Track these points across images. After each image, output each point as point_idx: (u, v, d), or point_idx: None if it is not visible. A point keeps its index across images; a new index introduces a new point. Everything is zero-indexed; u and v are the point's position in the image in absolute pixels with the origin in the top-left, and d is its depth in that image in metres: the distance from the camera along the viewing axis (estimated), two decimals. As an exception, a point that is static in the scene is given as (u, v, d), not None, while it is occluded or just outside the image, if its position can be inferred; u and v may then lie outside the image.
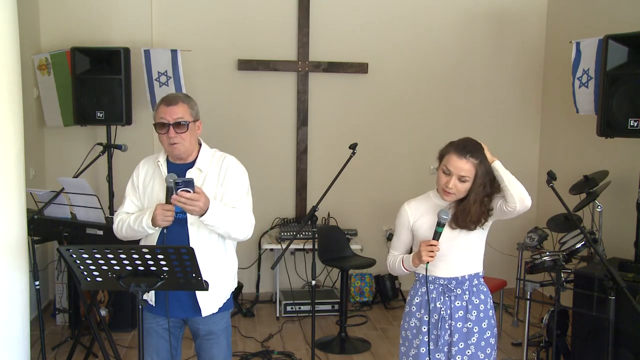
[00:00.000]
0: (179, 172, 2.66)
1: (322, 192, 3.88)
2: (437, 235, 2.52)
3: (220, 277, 2.76)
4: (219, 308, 2.78)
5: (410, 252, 2.69)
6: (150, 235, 2.71)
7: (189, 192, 2.48)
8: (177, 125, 2.65)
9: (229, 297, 2.83)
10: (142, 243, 2.78)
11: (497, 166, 2.57)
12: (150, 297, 2.75)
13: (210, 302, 2.74)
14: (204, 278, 2.61)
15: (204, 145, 2.81)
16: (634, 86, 3.85)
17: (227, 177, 2.73)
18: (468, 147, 2.52)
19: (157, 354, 2.81)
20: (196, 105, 2.77)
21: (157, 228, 2.65)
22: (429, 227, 2.59)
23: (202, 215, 2.56)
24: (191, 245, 2.65)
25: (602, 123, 4.02)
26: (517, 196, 2.51)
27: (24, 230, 3.08)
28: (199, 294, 2.70)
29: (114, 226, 2.81)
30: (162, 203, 2.60)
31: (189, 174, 2.70)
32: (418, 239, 2.64)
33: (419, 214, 2.67)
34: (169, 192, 2.54)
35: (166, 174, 2.68)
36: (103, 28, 5.29)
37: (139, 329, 2.41)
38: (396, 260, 2.71)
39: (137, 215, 2.71)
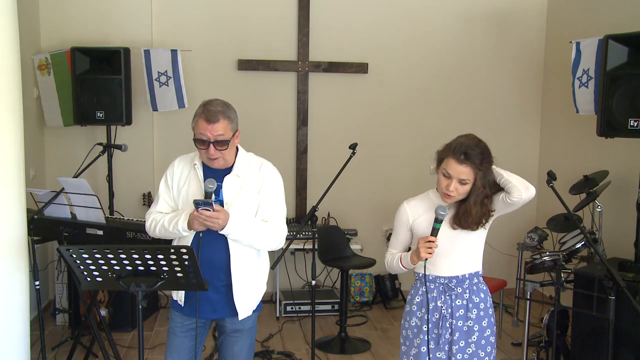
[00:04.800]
0: (216, 176, 2.64)
1: (322, 192, 3.88)
2: (435, 232, 2.52)
3: (255, 279, 2.77)
4: (252, 310, 2.79)
5: (409, 251, 2.69)
6: (185, 237, 2.69)
7: (209, 210, 2.50)
8: (218, 143, 2.60)
9: (260, 298, 2.84)
10: (175, 244, 2.76)
11: (494, 167, 2.60)
12: (179, 297, 2.74)
13: (247, 305, 2.74)
14: (239, 281, 2.65)
15: (240, 149, 2.78)
16: (634, 86, 3.85)
17: (265, 187, 2.72)
18: (466, 151, 2.51)
19: (179, 354, 2.78)
20: (235, 115, 2.71)
21: (192, 231, 2.64)
22: (428, 226, 2.59)
23: (222, 229, 2.57)
24: (229, 249, 2.65)
25: (602, 123, 4.02)
26: (521, 185, 2.52)
27: (24, 230, 3.08)
28: (237, 297, 2.69)
29: (147, 225, 2.79)
30: None
31: (227, 180, 2.68)
32: (417, 238, 2.64)
33: (418, 213, 2.68)
34: (206, 197, 2.55)
35: (202, 176, 2.68)
36: (103, 28, 5.29)
37: (139, 329, 2.41)
38: (394, 258, 2.71)
39: (171, 216, 2.68)
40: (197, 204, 2.49)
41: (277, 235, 2.72)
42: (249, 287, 2.72)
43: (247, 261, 2.71)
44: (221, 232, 2.58)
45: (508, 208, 2.59)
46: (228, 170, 2.71)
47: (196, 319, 2.66)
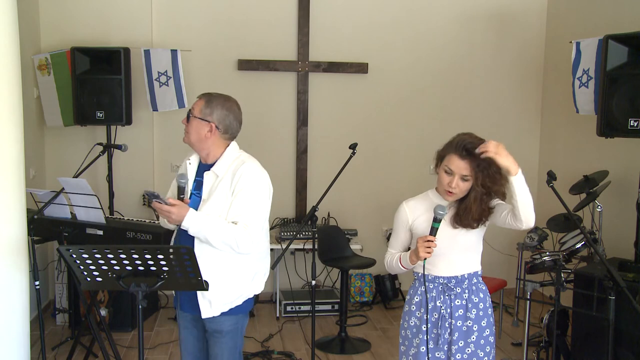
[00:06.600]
0: (200, 172, 2.76)
1: (322, 192, 3.88)
2: (433, 231, 2.52)
3: (224, 280, 2.70)
4: (222, 312, 2.74)
5: (408, 250, 2.69)
6: (176, 231, 2.82)
7: (160, 202, 2.56)
8: (187, 115, 2.75)
9: (238, 302, 2.76)
10: (173, 236, 2.85)
11: (516, 182, 2.44)
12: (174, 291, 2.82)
13: (212, 304, 2.71)
14: (204, 279, 2.62)
15: (230, 149, 2.77)
16: (634, 86, 3.85)
17: (237, 187, 2.66)
18: (468, 147, 2.51)
19: (185, 346, 2.89)
20: (219, 110, 2.71)
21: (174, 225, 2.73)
22: (427, 226, 2.59)
23: (179, 224, 2.61)
24: (195, 245, 2.66)
25: (602, 123, 4.02)
26: (525, 219, 2.48)
27: (24, 230, 3.08)
28: (200, 296, 2.70)
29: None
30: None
31: (206, 176, 2.72)
32: (416, 238, 2.63)
33: (418, 213, 2.68)
34: (179, 191, 2.65)
35: (195, 173, 2.78)
36: (103, 28, 5.29)
37: (139, 329, 2.41)
38: (394, 258, 2.71)
39: None
40: (148, 195, 2.56)
41: (241, 239, 2.60)
42: (215, 287, 2.64)
43: (214, 260, 2.66)
44: (182, 227, 2.61)
45: (504, 225, 2.58)
46: (210, 167, 2.76)
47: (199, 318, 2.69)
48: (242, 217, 2.64)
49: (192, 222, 2.57)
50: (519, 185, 2.44)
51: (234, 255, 2.68)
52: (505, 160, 2.41)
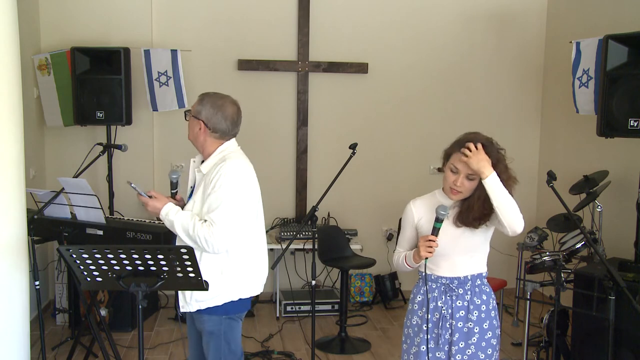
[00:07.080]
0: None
1: (322, 192, 3.88)
2: (435, 231, 2.52)
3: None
4: (199, 309, 2.73)
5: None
6: None
7: (141, 195, 2.69)
8: (184, 114, 2.88)
9: (216, 302, 2.72)
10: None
11: (487, 185, 2.45)
12: None
13: (184, 300, 2.75)
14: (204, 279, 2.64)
15: (221, 147, 2.78)
16: (634, 86, 3.85)
17: (211, 186, 2.65)
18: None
19: (189, 340, 3.01)
20: (207, 108, 2.74)
21: None
22: (431, 226, 2.59)
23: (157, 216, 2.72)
24: (176, 240, 2.74)
25: (602, 123, 4.02)
26: (507, 224, 2.47)
27: (24, 230, 3.08)
28: (179, 291, 2.75)
29: None
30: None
31: (196, 174, 2.81)
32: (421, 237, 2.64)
33: (423, 212, 2.68)
34: (171, 186, 2.80)
35: (189, 169, 2.87)
36: (103, 28, 5.29)
37: (139, 329, 2.41)
38: (400, 257, 2.73)
39: None
40: (130, 185, 2.69)
41: (203, 238, 2.58)
42: None
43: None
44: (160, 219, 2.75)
45: (498, 228, 2.59)
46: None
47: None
48: (209, 215, 2.63)
49: (164, 215, 2.67)
50: (491, 189, 2.45)
51: (209, 254, 2.68)
52: (475, 164, 2.45)
